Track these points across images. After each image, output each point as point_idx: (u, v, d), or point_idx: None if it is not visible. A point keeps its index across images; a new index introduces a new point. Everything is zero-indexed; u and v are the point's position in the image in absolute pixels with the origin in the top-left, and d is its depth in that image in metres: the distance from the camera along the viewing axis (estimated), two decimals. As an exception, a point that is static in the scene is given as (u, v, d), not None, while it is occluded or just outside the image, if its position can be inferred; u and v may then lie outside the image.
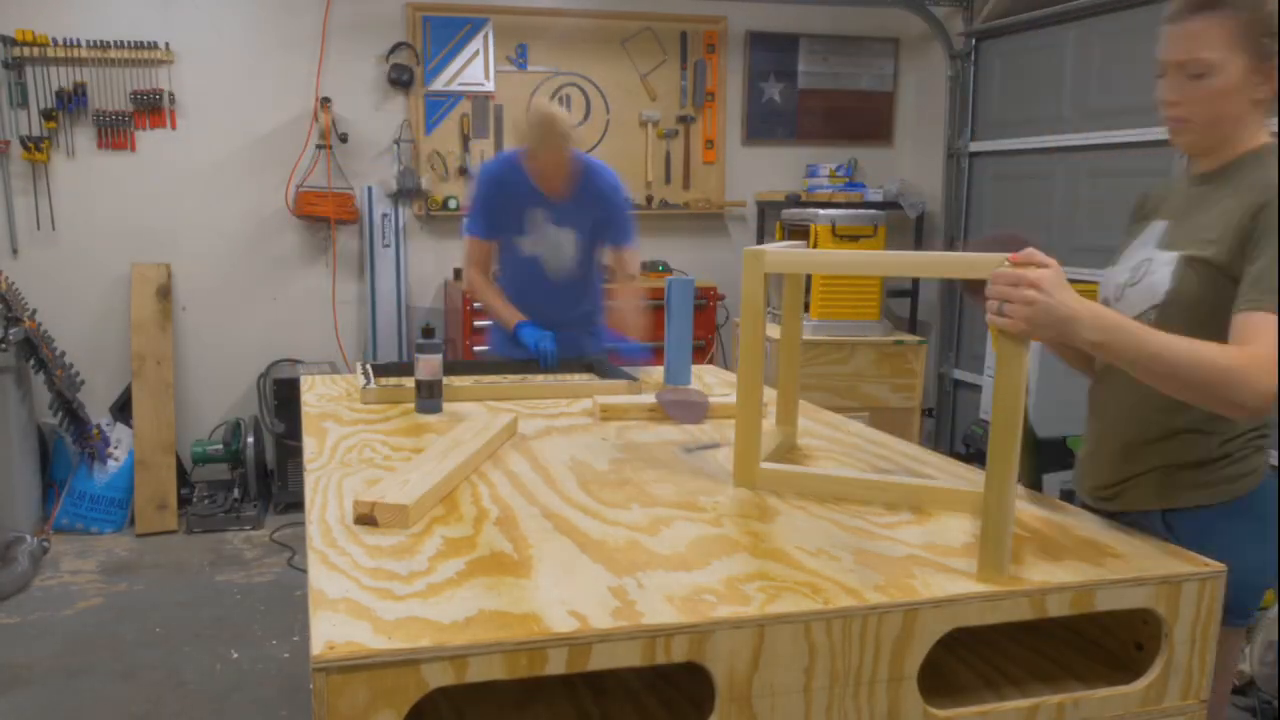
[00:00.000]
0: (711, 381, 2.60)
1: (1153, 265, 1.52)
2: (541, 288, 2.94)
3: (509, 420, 1.94)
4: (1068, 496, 1.75)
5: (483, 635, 1.03)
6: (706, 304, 4.92)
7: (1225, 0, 1.43)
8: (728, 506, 1.50)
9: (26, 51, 4.39)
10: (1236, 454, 1.51)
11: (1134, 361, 1.29)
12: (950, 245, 5.07)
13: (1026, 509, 1.51)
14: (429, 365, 2.12)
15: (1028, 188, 4.59)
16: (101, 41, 4.47)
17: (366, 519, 1.38)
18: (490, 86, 4.94)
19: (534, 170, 2.82)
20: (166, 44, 4.57)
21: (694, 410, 2.12)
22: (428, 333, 2.16)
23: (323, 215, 4.77)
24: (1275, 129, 1.52)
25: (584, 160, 2.90)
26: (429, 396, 2.14)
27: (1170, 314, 1.47)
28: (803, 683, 1.12)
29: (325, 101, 4.71)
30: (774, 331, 4.33)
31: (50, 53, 4.42)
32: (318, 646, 0.99)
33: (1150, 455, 1.54)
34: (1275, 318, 1.32)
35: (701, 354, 4.89)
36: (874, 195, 5.08)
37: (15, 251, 4.54)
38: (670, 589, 1.16)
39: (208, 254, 4.75)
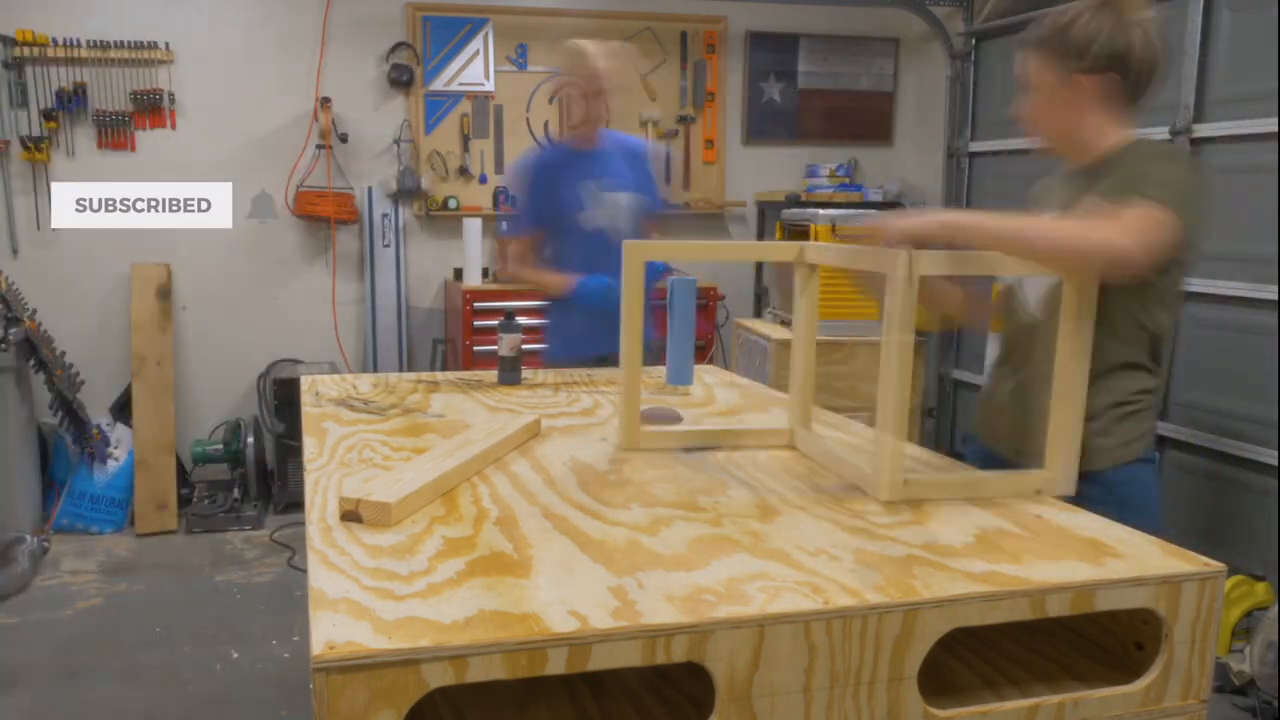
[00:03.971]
0: (711, 381, 2.60)
1: None
2: (615, 263, 2.84)
3: (529, 421, 1.93)
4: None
5: (483, 635, 1.03)
6: (706, 304, 4.92)
7: (1033, 40, 1.77)
8: (728, 506, 1.50)
9: (26, 51, 4.40)
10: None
11: (1003, 234, 1.52)
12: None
13: (1027, 508, 1.51)
14: (511, 342, 2.48)
15: (1028, 188, 4.59)
16: (101, 41, 4.47)
17: (352, 515, 1.39)
18: (490, 86, 4.94)
19: (580, 118, 2.81)
20: (166, 44, 4.57)
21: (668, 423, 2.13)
22: (509, 315, 2.53)
23: (323, 215, 4.78)
24: (1135, 133, 1.75)
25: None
26: (510, 370, 2.50)
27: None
28: (803, 683, 1.13)
29: (325, 101, 4.71)
30: (772, 331, 4.33)
31: (50, 53, 4.42)
32: (318, 646, 0.99)
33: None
34: (1143, 206, 1.54)
35: (702, 354, 4.89)
36: (874, 195, 5.08)
37: (15, 251, 4.54)
38: (670, 589, 1.16)
39: (208, 254, 4.75)
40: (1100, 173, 1.72)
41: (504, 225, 3.01)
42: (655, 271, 2.90)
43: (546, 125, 5.04)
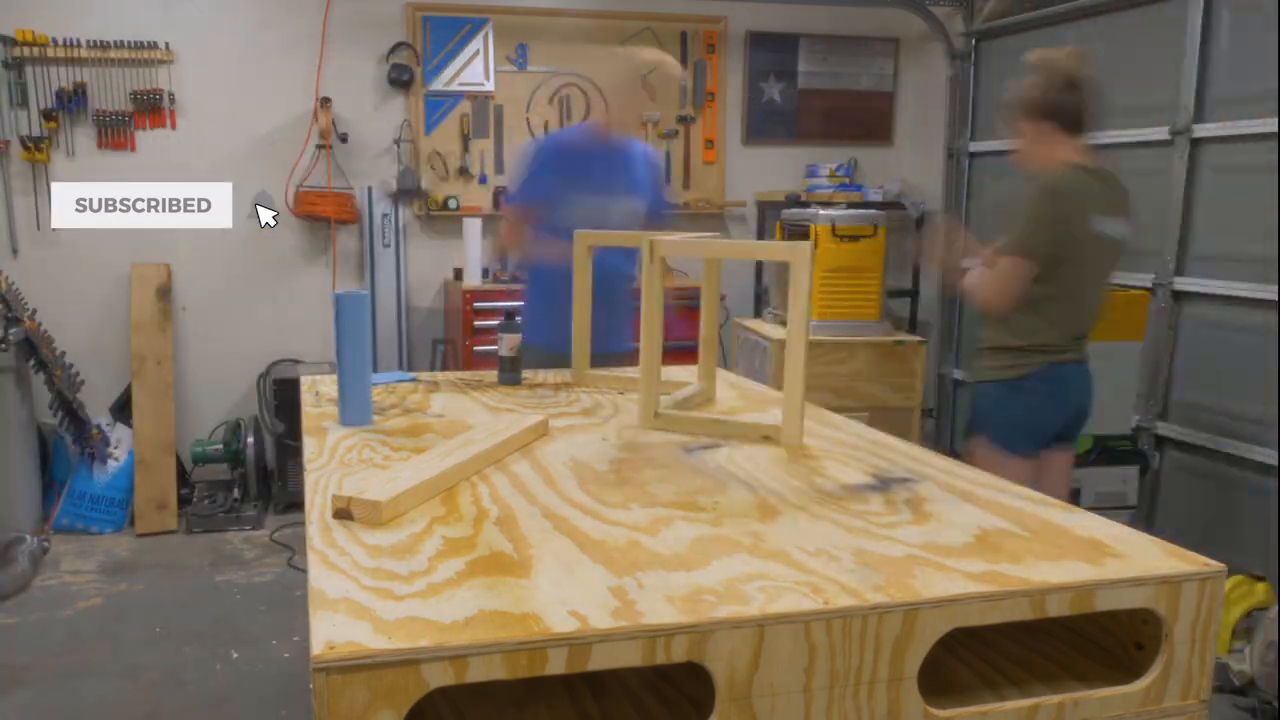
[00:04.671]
0: (711, 381, 2.60)
1: None
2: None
3: (536, 421, 1.93)
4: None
5: (483, 635, 1.03)
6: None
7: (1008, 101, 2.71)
8: (728, 506, 1.50)
9: (26, 51, 4.40)
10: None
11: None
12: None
13: (1028, 509, 1.51)
14: (511, 342, 2.46)
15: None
16: (101, 41, 4.48)
17: (343, 513, 1.39)
18: (490, 86, 4.95)
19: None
20: (166, 44, 4.57)
21: None
22: (509, 315, 2.52)
23: (323, 215, 4.78)
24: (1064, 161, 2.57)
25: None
26: (510, 370, 2.48)
27: None
28: (803, 683, 1.13)
29: (325, 101, 4.71)
30: (771, 331, 4.33)
31: (50, 53, 4.42)
32: (318, 646, 0.99)
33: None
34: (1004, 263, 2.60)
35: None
36: (874, 195, 5.08)
37: (15, 251, 4.54)
38: (670, 589, 1.16)
39: (208, 254, 4.75)
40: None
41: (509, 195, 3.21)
42: (625, 274, 3.01)
43: (546, 125, 5.04)
